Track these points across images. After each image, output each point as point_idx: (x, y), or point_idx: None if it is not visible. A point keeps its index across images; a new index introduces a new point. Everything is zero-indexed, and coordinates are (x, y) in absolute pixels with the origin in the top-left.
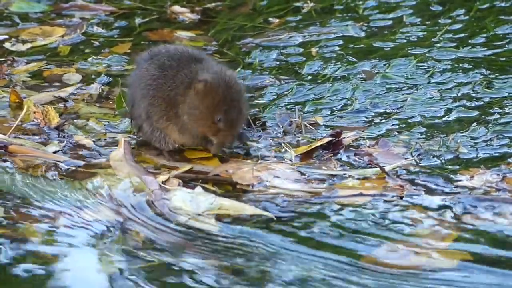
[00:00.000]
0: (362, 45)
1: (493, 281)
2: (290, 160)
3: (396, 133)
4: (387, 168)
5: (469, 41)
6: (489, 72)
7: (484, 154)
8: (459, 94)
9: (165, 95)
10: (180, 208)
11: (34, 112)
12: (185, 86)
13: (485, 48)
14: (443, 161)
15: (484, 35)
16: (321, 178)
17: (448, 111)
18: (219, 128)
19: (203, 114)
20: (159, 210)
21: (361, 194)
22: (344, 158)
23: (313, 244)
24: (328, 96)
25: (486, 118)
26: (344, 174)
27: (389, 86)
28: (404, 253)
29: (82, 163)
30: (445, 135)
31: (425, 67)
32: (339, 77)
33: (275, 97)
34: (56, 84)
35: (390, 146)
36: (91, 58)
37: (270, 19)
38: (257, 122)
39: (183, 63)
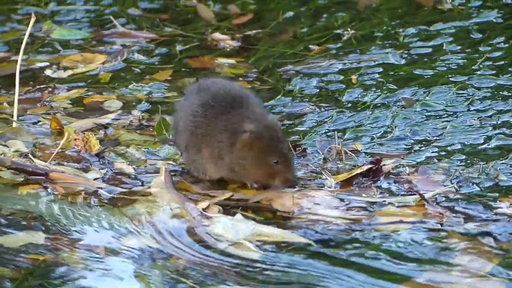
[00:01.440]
0: (402, 73)
1: None
2: (330, 187)
3: (435, 160)
4: (426, 196)
5: (509, 68)
6: None
7: None
8: (499, 122)
9: (203, 134)
10: (221, 235)
11: (75, 139)
12: (228, 135)
13: None
14: (482, 188)
15: None
16: (361, 205)
17: (488, 138)
18: (278, 170)
19: (257, 162)
20: (199, 237)
21: (401, 221)
22: (384, 186)
23: (353, 269)
24: (368, 124)
25: None
26: (384, 201)
27: (428, 113)
28: (444, 280)
29: (122, 190)
30: (484, 163)
31: (465, 95)
32: (379, 104)
33: (315, 124)
34: (97, 111)
35: (430, 174)
36: (131, 85)
37: (310, 46)
38: (297, 149)
39: (225, 106)
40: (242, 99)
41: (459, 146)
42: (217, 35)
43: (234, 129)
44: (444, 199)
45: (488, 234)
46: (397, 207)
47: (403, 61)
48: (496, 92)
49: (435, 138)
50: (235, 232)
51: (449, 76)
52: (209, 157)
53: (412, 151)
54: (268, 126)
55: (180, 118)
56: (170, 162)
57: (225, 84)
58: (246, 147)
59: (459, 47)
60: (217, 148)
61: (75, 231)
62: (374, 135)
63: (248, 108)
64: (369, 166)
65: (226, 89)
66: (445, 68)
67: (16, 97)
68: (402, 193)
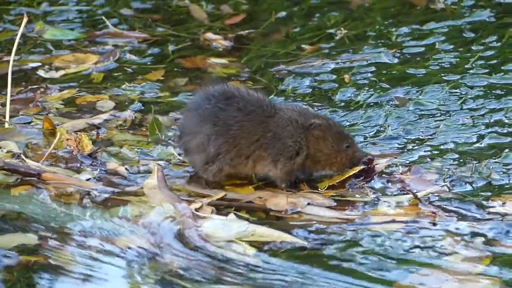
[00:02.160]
0: (395, 72)
1: None
2: (324, 188)
3: (428, 159)
4: (419, 195)
5: (502, 67)
6: None
7: None
8: (492, 121)
9: (254, 135)
10: (213, 235)
11: (67, 140)
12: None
13: None
14: (475, 187)
15: None
16: (354, 205)
17: (481, 137)
18: (351, 151)
19: (333, 150)
20: (192, 237)
21: (393, 221)
22: (377, 185)
23: (345, 270)
24: (361, 123)
25: None
26: (377, 201)
27: (421, 112)
28: (437, 279)
29: (115, 190)
30: (477, 162)
31: (458, 94)
32: (372, 103)
33: None
34: (89, 111)
35: (423, 173)
36: (124, 85)
37: (303, 46)
38: None
39: (264, 110)
40: (268, 102)
41: (452, 145)
42: (210, 35)
43: (302, 125)
44: (437, 198)
45: (480, 233)
46: (390, 206)
47: (396, 60)
48: (488, 91)
49: (428, 137)
50: (228, 232)
51: (442, 75)
52: (250, 159)
53: (405, 150)
54: (323, 116)
55: (204, 123)
56: (163, 162)
57: (245, 90)
58: (320, 139)
59: (452, 46)
60: (280, 147)
61: (68, 232)
62: (367, 134)
63: (283, 109)
64: (362, 167)
65: (251, 94)
66: (437, 67)
67: (8, 98)
68: (395, 192)
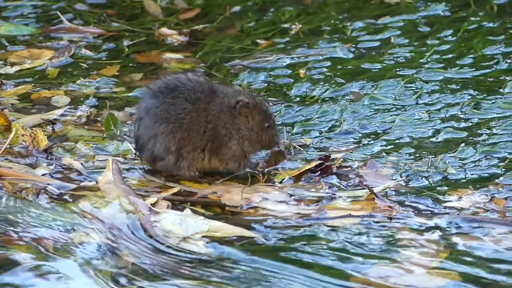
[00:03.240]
0: (350, 67)
1: None
2: (280, 183)
3: (384, 154)
4: (376, 190)
5: (457, 62)
6: (477, 93)
7: (472, 175)
8: (447, 115)
9: (201, 127)
10: (170, 231)
11: (23, 135)
12: (227, 116)
13: (473, 69)
14: (431, 182)
15: (472, 55)
16: (310, 200)
17: (437, 132)
18: (272, 133)
19: (258, 128)
20: (148, 233)
21: (349, 215)
22: (333, 180)
23: (301, 265)
24: (317, 118)
25: (474, 139)
26: (333, 195)
27: (377, 107)
28: (393, 273)
29: (71, 185)
30: (433, 156)
31: (413, 88)
32: (327, 98)
33: None
34: (45, 106)
35: (379, 167)
36: (79, 80)
37: (257, 40)
38: None
39: (208, 94)
40: (211, 84)
41: (407, 140)
42: (165, 30)
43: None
44: (393, 193)
45: (436, 228)
46: (346, 201)
47: (351, 55)
48: (444, 86)
49: (383, 131)
50: (184, 227)
51: (397, 69)
52: (211, 147)
53: (361, 145)
54: (251, 94)
55: (157, 122)
56: (119, 157)
57: (186, 76)
58: (246, 117)
59: (407, 41)
60: (222, 134)
61: (23, 227)
62: (322, 129)
63: (223, 89)
64: (318, 162)
65: (193, 80)
66: (393, 62)
67: None
68: (352, 187)
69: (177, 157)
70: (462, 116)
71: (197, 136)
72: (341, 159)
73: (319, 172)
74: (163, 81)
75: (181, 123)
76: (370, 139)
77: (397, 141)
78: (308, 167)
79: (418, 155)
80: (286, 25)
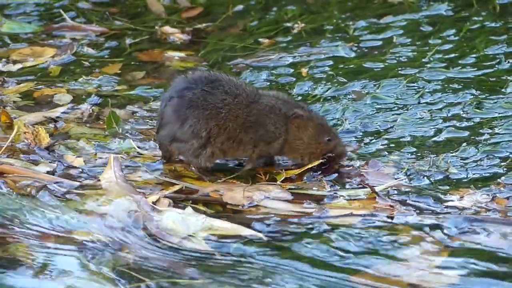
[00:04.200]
0: (352, 66)
1: None
2: (282, 182)
3: (386, 153)
4: (377, 189)
5: (459, 61)
6: (479, 92)
7: (474, 174)
8: (449, 115)
9: (240, 119)
10: (172, 229)
11: (25, 133)
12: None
13: (475, 69)
14: (433, 181)
15: (474, 55)
16: (312, 198)
17: (438, 131)
18: (333, 145)
19: (312, 140)
20: (150, 231)
21: (351, 214)
22: (335, 179)
23: (303, 262)
24: None
25: (476, 138)
26: (335, 194)
27: (379, 106)
28: (394, 273)
29: (72, 183)
30: (435, 155)
31: (415, 88)
32: (329, 97)
33: None
34: (47, 104)
35: (380, 167)
36: (81, 78)
37: (260, 39)
38: None
39: (253, 94)
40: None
41: (409, 139)
42: (167, 28)
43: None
44: (395, 192)
45: (438, 227)
46: (348, 200)
47: (353, 54)
48: (446, 85)
49: (385, 130)
50: (186, 226)
51: (399, 69)
52: (239, 141)
53: (363, 144)
54: (304, 107)
55: (192, 108)
56: (121, 155)
57: (222, 74)
58: (300, 129)
59: (409, 40)
60: (262, 132)
61: (25, 225)
62: None
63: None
64: (321, 161)
65: (232, 78)
66: (395, 61)
67: None
68: (353, 186)
69: (203, 143)
70: (464, 115)
71: (233, 127)
72: (344, 159)
73: (321, 171)
74: (202, 72)
75: (218, 111)
76: (372, 138)
77: (399, 140)
78: (310, 165)
79: (420, 154)
80: (288, 24)
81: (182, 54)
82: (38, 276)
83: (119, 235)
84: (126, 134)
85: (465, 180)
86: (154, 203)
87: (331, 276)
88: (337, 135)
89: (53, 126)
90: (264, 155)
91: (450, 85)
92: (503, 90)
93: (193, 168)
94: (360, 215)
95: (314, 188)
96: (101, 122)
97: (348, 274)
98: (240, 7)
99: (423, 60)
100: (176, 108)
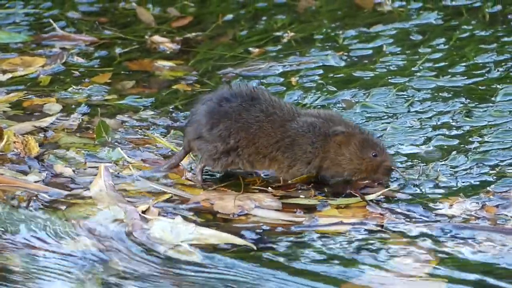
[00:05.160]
0: (342, 75)
1: None
2: (272, 190)
3: None
4: (367, 197)
5: (449, 70)
6: (468, 101)
7: (463, 182)
8: (439, 123)
9: (272, 138)
10: (160, 238)
11: (14, 142)
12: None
13: (465, 77)
14: (423, 189)
15: (464, 64)
16: (302, 207)
17: (428, 139)
18: (379, 160)
19: (356, 156)
20: (139, 240)
21: (341, 223)
22: (325, 187)
23: (292, 272)
24: None
25: (466, 146)
26: (325, 203)
27: (369, 115)
28: (383, 281)
29: (62, 193)
30: (425, 164)
31: (405, 96)
32: (319, 106)
33: None
34: (36, 114)
35: None
36: (71, 88)
37: (250, 49)
38: None
39: (284, 112)
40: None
41: (399, 148)
42: (157, 38)
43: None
44: (384, 200)
45: (428, 235)
46: (338, 208)
47: (343, 63)
48: (436, 94)
49: None
50: (175, 235)
51: (389, 77)
52: (265, 158)
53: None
54: (348, 121)
55: (226, 114)
56: (111, 164)
57: (265, 92)
58: (343, 145)
59: (399, 49)
60: (298, 152)
61: (14, 234)
62: None
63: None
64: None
65: (274, 99)
66: (385, 70)
67: None
68: (343, 194)
69: (227, 149)
70: (453, 124)
71: (263, 143)
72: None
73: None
74: (247, 87)
75: (249, 126)
76: None
77: (388, 149)
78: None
79: (409, 163)
80: (278, 33)
81: (172, 64)
82: (25, 287)
83: (108, 245)
84: (116, 143)
85: (455, 188)
86: (143, 212)
87: (321, 287)
88: (384, 150)
89: (43, 135)
90: (300, 174)
91: (440, 94)
92: (492, 98)
93: (196, 169)
94: (350, 224)
95: (302, 196)
96: (91, 132)
97: (337, 283)
98: (230, 16)
99: (413, 68)
100: (210, 112)
